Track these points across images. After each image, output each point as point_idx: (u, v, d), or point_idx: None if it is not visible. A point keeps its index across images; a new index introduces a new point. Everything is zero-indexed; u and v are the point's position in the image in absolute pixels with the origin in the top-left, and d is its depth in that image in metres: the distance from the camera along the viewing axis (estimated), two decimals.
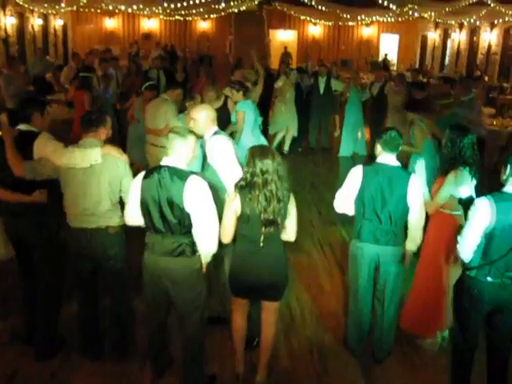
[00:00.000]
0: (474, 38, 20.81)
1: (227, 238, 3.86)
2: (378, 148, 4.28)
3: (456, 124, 4.76)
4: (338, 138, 12.13)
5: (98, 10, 22.12)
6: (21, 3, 15.97)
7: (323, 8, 20.95)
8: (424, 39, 25.06)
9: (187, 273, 3.79)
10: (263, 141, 7.42)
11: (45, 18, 20.45)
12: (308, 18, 25.02)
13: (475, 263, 3.67)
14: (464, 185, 4.40)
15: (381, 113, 10.81)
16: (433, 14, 19.25)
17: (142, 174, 3.78)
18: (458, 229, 3.95)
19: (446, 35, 23.06)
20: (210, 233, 3.72)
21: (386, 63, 21.68)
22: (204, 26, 26.08)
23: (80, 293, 4.43)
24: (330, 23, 25.35)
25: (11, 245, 4.46)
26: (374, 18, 23.16)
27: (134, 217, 3.84)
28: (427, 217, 4.51)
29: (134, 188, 3.80)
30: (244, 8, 22.01)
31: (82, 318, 4.46)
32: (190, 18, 24.49)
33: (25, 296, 4.58)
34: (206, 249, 3.78)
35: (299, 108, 11.65)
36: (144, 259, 3.86)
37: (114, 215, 4.16)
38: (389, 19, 22.46)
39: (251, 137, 7.16)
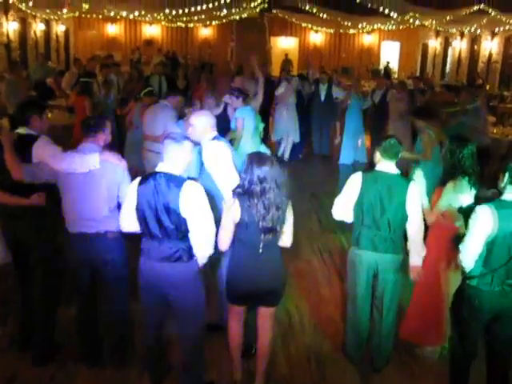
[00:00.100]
0: (475, 47, 20.85)
1: (225, 245, 3.84)
2: (377, 155, 4.29)
3: (455, 134, 4.77)
4: (338, 145, 12.14)
5: (100, 16, 22.17)
6: (23, 9, 16.01)
7: (324, 16, 21.03)
8: (425, 47, 25.11)
9: (185, 277, 3.79)
10: (263, 148, 7.41)
11: (47, 23, 20.49)
12: (309, 26, 25.12)
13: (476, 272, 3.65)
14: (463, 194, 4.38)
15: (382, 120, 10.83)
16: (434, 22, 19.29)
17: (137, 180, 3.78)
18: (459, 238, 3.93)
19: (446, 43, 23.11)
20: (206, 237, 3.73)
21: (387, 71, 21.72)
22: (205, 32, 26.16)
23: (79, 297, 4.42)
24: (331, 31, 25.42)
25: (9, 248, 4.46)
26: (375, 26, 23.26)
27: (129, 223, 3.84)
28: (426, 228, 4.49)
29: (129, 194, 3.80)
30: (245, 15, 22.08)
31: (80, 322, 4.45)
32: (192, 25, 24.57)
33: (22, 299, 4.57)
34: (203, 252, 3.79)
35: (300, 115, 11.68)
36: (140, 265, 3.85)
37: (112, 220, 4.14)
38: (390, 27, 22.53)
39: (251, 144, 7.15)
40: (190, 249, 3.76)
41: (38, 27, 19.41)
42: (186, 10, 16.61)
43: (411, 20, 18.64)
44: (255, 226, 3.70)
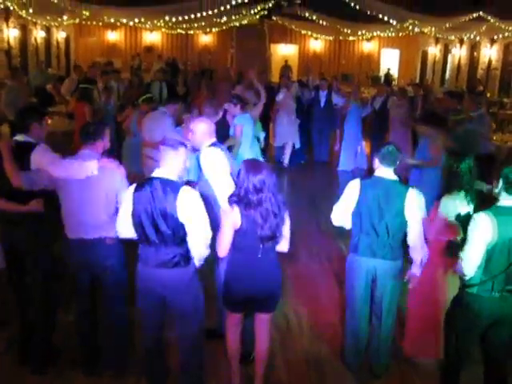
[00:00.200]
0: (475, 54, 20.90)
1: (224, 252, 3.84)
2: (376, 162, 4.29)
3: (452, 149, 4.74)
4: (338, 151, 12.16)
5: (100, 23, 22.22)
6: (24, 15, 16.06)
7: (324, 23, 21.11)
8: (424, 54, 25.16)
9: (183, 281, 3.82)
10: (260, 158, 7.43)
11: (47, 30, 20.54)
12: (309, 33, 25.20)
13: (476, 280, 3.63)
14: (459, 207, 4.34)
15: (383, 127, 10.87)
16: (433, 29, 19.35)
17: (133, 187, 3.80)
18: (454, 246, 3.93)
19: (446, 50, 23.15)
20: (202, 240, 3.76)
21: (388, 78, 21.76)
22: (205, 39, 26.22)
23: (78, 302, 4.42)
24: (331, 38, 25.48)
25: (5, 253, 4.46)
26: (374, 33, 23.33)
27: (126, 229, 3.85)
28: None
29: (125, 201, 3.81)
30: (245, 22, 22.17)
31: (79, 326, 4.44)
32: (192, 32, 24.63)
33: (18, 305, 4.55)
34: (199, 255, 3.83)
35: (300, 121, 11.70)
36: (137, 272, 3.87)
37: (111, 226, 4.14)
38: (389, 34, 22.59)
39: (250, 151, 7.17)
40: (187, 253, 3.78)
41: (38, 34, 19.45)
42: (186, 17, 16.68)
43: (411, 27, 18.71)
44: (254, 233, 3.72)
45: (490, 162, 4.58)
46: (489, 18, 15.94)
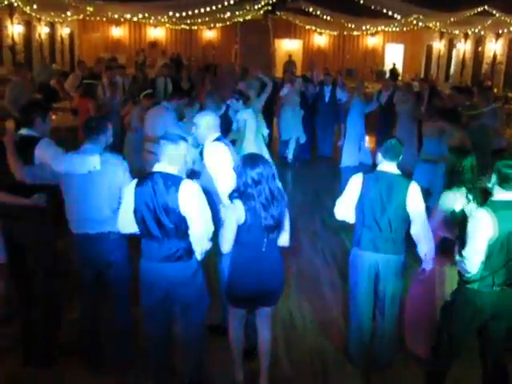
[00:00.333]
0: (479, 48, 20.81)
1: (227, 248, 3.84)
2: (379, 156, 4.29)
3: (455, 146, 4.73)
4: (341, 147, 12.13)
5: (105, 19, 22.24)
6: (28, 12, 16.08)
7: (328, 18, 21.04)
8: (429, 49, 25.08)
9: (186, 275, 3.84)
10: (266, 152, 7.42)
11: (52, 26, 20.58)
12: (313, 28, 25.14)
13: (476, 276, 3.61)
14: (457, 204, 4.29)
15: (389, 122, 10.83)
16: (438, 23, 19.28)
17: (134, 181, 3.80)
18: (450, 243, 3.92)
19: (451, 45, 23.06)
20: (204, 234, 3.78)
21: (394, 72, 21.68)
22: (209, 34, 26.20)
23: (82, 298, 4.44)
24: (335, 33, 25.43)
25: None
26: (379, 28, 23.25)
27: (128, 224, 3.85)
28: None
29: (126, 196, 3.82)
30: (249, 17, 22.13)
31: (83, 322, 4.45)
32: (196, 27, 24.63)
33: (20, 302, 4.56)
34: (201, 248, 3.84)
35: (304, 116, 11.67)
36: (141, 266, 3.87)
37: (115, 221, 4.16)
38: (394, 29, 22.52)
39: (254, 145, 7.16)
40: (189, 247, 3.79)
41: (42, 30, 19.48)
42: (190, 13, 16.67)
43: (415, 22, 18.65)
44: (258, 226, 3.72)
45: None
46: (494, 12, 15.86)
